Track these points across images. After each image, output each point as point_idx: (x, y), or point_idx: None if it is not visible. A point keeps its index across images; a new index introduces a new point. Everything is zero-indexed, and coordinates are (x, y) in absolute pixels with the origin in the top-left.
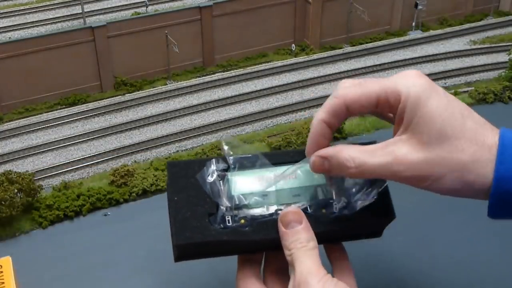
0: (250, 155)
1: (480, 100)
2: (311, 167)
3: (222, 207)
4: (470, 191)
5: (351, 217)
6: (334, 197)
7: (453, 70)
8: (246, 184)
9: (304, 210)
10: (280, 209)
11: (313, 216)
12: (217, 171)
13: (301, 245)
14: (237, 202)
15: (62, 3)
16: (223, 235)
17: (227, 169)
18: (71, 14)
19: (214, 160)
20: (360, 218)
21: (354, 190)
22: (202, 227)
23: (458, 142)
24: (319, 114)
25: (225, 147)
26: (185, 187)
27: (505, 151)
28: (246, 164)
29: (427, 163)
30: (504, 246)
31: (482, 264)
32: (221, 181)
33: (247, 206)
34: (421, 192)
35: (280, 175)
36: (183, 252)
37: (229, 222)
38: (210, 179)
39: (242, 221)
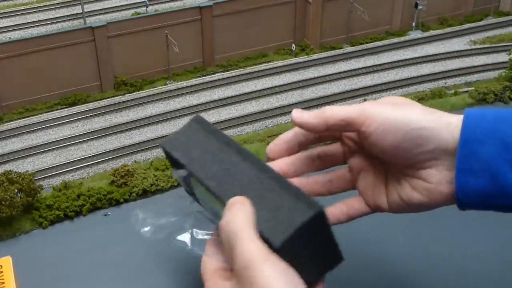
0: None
1: (480, 100)
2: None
3: (186, 178)
4: (419, 152)
5: None
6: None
7: (453, 70)
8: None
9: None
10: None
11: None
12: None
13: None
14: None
15: (62, 3)
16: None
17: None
18: (71, 14)
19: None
20: None
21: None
22: (179, 156)
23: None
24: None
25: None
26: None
27: (469, 116)
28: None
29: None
30: (503, 246)
31: (482, 264)
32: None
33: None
34: None
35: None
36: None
37: (188, 186)
38: (182, 173)
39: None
